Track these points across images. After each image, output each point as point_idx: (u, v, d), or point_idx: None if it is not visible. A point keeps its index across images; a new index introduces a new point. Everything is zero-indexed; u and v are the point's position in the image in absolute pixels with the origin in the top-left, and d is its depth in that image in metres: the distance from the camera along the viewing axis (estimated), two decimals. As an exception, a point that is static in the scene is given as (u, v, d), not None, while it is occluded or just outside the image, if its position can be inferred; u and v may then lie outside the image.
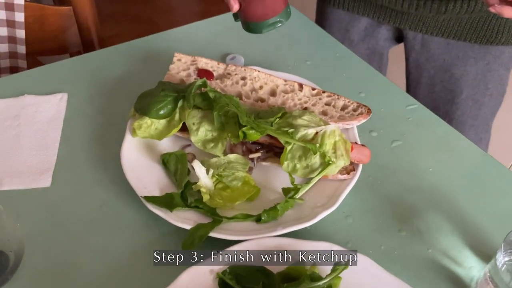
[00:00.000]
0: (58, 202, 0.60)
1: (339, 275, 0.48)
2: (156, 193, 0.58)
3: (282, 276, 0.49)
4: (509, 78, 0.96)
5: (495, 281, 0.49)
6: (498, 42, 0.88)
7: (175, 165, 0.61)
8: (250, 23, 0.60)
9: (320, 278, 0.47)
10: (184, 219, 0.55)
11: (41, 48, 1.03)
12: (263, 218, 0.56)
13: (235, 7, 0.60)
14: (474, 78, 0.92)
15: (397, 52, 1.06)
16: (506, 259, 0.51)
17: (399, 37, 1.01)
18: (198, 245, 0.53)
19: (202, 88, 0.64)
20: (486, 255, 0.56)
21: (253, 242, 0.53)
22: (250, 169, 0.63)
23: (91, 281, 0.52)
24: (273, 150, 0.63)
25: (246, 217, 0.56)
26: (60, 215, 0.59)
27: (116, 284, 0.52)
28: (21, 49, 0.99)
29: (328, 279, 0.47)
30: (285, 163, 0.60)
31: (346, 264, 0.48)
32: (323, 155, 0.58)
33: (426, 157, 0.68)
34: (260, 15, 0.59)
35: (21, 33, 0.97)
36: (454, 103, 0.96)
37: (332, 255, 0.51)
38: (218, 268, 0.50)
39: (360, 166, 0.62)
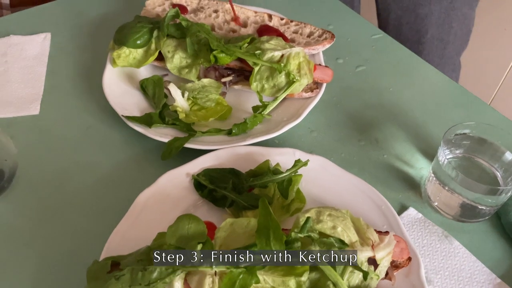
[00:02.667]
0: (48, 126, 0.66)
1: (300, 172, 0.55)
2: (136, 114, 0.64)
3: (249, 175, 0.55)
4: (474, 18, 1.00)
5: (438, 175, 0.56)
6: None
7: (153, 90, 0.66)
8: None
9: (281, 172, 0.53)
10: (162, 134, 0.61)
11: (23, -1, 1.05)
12: (234, 131, 0.61)
13: None
14: (438, 17, 0.97)
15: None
16: (450, 156, 0.57)
17: None
18: (175, 155, 0.59)
19: (176, 20, 0.69)
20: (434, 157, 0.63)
21: (224, 150, 0.59)
22: (223, 94, 0.68)
23: (80, 189, 0.58)
24: (244, 74, 0.68)
25: (219, 131, 0.62)
26: (50, 137, 0.64)
27: (102, 190, 0.58)
28: (5, -1, 1.02)
29: (288, 173, 0.53)
30: (254, 83, 0.65)
31: (306, 162, 0.54)
32: (288, 74, 0.64)
33: (387, 79, 0.74)
34: None
35: (3, -17, 0.99)
36: (420, 43, 1.00)
37: (295, 157, 0.57)
38: (194, 172, 0.57)
39: (324, 85, 0.67)
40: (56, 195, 0.58)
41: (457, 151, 0.57)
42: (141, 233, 0.50)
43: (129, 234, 0.50)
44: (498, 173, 0.55)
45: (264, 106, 0.63)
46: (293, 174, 0.53)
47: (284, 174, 0.53)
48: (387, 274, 0.45)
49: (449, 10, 0.96)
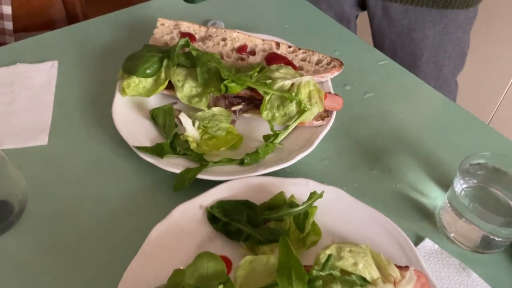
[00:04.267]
0: (56, 157, 0.65)
1: (315, 204, 0.54)
2: (146, 144, 0.63)
3: (264, 207, 0.55)
4: (469, 41, 1.02)
5: (453, 205, 0.55)
6: (453, 6, 0.93)
7: (163, 119, 0.66)
8: None
9: (297, 205, 0.52)
10: (173, 165, 0.60)
11: (28, 24, 1.06)
12: (246, 160, 0.61)
13: None
14: (432, 41, 0.98)
15: (365, 20, 1.12)
16: (464, 186, 0.57)
17: (363, 4, 1.07)
18: (188, 186, 0.58)
19: (185, 48, 0.69)
20: (448, 186, 0.62)
21: (237, 181, 0.58)
22: (233, 122, 0.68)
23: (91, 223, 0.57)
24: (254, 103, 0.68)
25: (231, 161, 0.61)
26: (59, 168, 0.64)
27: (114, 224, 0.57)
28: (8, 25, 1.02)
29: (304, 206, 0.52)
30: (265, 112, 0.65)
31: (321, 193, 0.54)
32: (299, 103, 0.64)
33: (395, 105, 0.74)
34: None
35: (7, 9, 0.99)
36: (416, 67, 1.02)
37: (308, 188, 0.57)
38: (207, 204, 0.56)
39: (334, 113, 0.67)
40: (66, 230, 0.57)
41: (472, 181, 0.57)
42: (156, 271, 0.49)
43: (143, 273, 0.49)
44: (514, 204, 0.55)
45: (276, 135, 0.63)
46: (309, 206, 0.53)
47: (301, 207, 0.52)
48: (409, 311, 0.45)
49: (443, 34, 0.98)
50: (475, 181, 0.57)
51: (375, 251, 0.46)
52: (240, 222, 0.53)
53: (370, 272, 0.44)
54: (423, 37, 0.98)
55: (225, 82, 0.64)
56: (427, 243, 0.56)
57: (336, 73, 0.71)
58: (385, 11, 1.00)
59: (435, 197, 0.62)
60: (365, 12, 1.09)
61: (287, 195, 0.56)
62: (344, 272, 0.44)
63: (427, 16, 0.96)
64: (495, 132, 0.70)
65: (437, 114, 0.73)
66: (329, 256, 0.43)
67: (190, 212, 0.55)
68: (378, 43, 1.07)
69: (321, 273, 0.42)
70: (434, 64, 1.02)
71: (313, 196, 0.53)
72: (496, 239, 0.53)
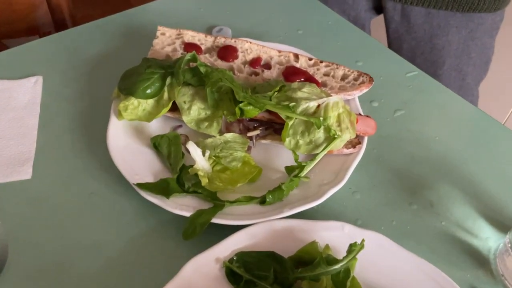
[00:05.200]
0: (42, 195, 0.55)
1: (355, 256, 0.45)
2: (149, 179, 0.54)
3: (294, 261, 0.46)
4: (494, 46, 0.94)
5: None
6: (480, 9, 0.85)
7: (167, 148, 0.56)
8: None
9: (336, 261, 0.43)
10: (182, 206, 0.51)
11: (10, 30, 0.95)
12: (268, 199, 0.52)
13: None
14: (456, 47, 0.90)
15: (380, 24, 1.03)
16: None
17: (379, 8, 0.98)
18: (200, 233, 0.49)
19: (191, 63, 0.59)
20: (502, 224, 0.54)
21: (259, 225, 0.49)
22: (249, 149, 0.59)
23: (85, 279, 0.48)
24: (273, 127, 0.59)
25: (250, 199, 0.52)
26: (45, 209, 0.54)
27: (113, 281, 0.48)
28: (-12, 31, 0.91)
29: (345, 262, 0.43)
30: (287, 139, 0.55)
31: (362, 243, 0.45)
32: (327, 129, 0.54)
33: (430, 125, 0.65)
34: None
35: (-14, 14, 0.89)
36: (436, 75, 0.93)
37: (344, 232, 0.48)
38: (224, 256, 0.47)
39: (366, 138, 0.58)
40: (55, 285, 0.47)
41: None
42: None
43: None
44: None
45: (301, 167, 0.54)
46: (350, 262, 0.44)
47: (341, 264, 0.43)
48: None
49: (469, 40, 0.89)
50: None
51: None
52: (266, 280, 0.44)
53: None
54: (446, 43, 0.90)
55: (240, 105, 0.54)
56: (487, 299, 0.47)
57: (365, 90, 0.62)
58: (404, 15, 0.92)
59: (487, 238, 0.53)
60: (380, 16, 1.00)
61: (320, 243, 0.47)
62: None
63: (451, 20, 0.88)
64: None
65: (481, 135, 0.64)
66: None
67: (205, 267, 0.46)
68: (395, 50, 0.98)
69: None
70: (457, 73, 0.93)
71: (354, 248, 0.44)
72: None
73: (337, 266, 0.43)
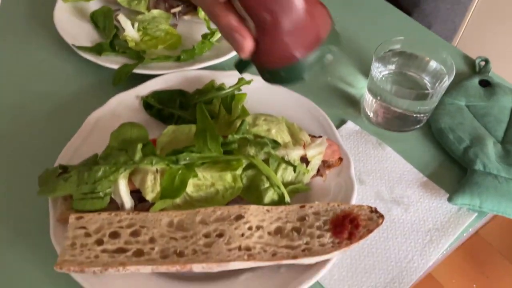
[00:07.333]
0: (1, 62, 0.67)
1: (244, 91, 0.58)
2: (88, 45, 0.65)
3: (196, 94, 0.58)
4: None
5: (373, 91, 0.59)
6: None
7: (103, 22, 0.68)
8: (281, 69, 0.36)
9: (224, 88, 0.56)
10: (112, 62, 0.63)
11: None
12: (182, 57, 0.64)
13: (248, 46, 0.34)
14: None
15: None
16: (385, 72, 0.61)
17: None
18: (125, 79, 0.61)
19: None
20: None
21: (174, 74, 0.61)
22: (174, 26, 0.70)
23: (36, 117, 0.61)
24: (193, 5, 0.70)
25: (168, 57, 0.64)
26: (3, 73, 0.66)
27: (57, 116, 0.61)
28: None
29: (231, 89, 0.56)
30: (202, 13, 0.67)
31: (249, 81, 0.57)
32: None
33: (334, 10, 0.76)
34: (293, 50, 0.35)
35: None
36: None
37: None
38: (143, 94, 0.59)
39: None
40: (12, 124, 0.60)
41: (390, 67, 0.61)
42: (93, 150, 0.53)
43: (81, 150, 0.53)
44: (426, 82, 0.59)
45: (212, 33, 0.66)
46: (236, 91, 0.57)
47: (227, 90, 0.56)
48: (318, 171, 0.50)
49: None
50: (393, 67, 0.61)
51: (289, 121, 0.51)
52: (173, 108, 0.57)
53: (282, 137, 0.48)
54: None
55: (161, -17, 0.65)
56: (349, 125, 0.60)
57: None
58: None
59: (361, 87, 0.66)
60: None
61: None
62: (257, 136, 0.48)
63: None
64: (423, 28, 0.73)
65: (373, 15, 0.76)
66: (243, 121, 0.47)
67: (127, 101, 0.58)
68: None
69: (236, 136, 0.47)
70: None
71: (240, 81, 0.57)
72: (414, 115, 0.58)
73: (224, 92, 0.56)
